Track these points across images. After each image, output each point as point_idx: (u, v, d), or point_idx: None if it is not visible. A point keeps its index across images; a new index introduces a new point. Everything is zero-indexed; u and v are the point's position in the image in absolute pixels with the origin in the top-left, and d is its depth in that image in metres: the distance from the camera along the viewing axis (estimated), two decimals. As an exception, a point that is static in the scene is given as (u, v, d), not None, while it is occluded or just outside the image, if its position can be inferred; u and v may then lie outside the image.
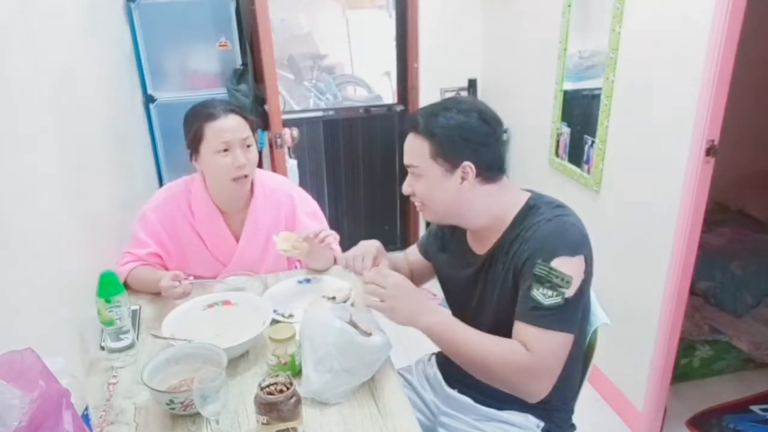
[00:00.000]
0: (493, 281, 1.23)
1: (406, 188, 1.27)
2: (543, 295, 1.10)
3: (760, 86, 3.10)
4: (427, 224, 3.63)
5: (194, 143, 1.60)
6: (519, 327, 1.14)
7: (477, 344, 1.16)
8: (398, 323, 1.21)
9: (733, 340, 2.48)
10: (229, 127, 1.57)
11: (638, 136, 2.06)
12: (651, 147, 2.01)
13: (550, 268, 1.10)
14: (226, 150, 1.57)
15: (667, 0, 1.87)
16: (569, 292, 1.10)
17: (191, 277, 1.57)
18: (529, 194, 1.24)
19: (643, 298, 2.11)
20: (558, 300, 1.09)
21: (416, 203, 1.28)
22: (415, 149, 1.21)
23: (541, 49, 2.61)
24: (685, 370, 2.42)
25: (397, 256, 1.59)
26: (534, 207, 1.20)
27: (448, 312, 1.25)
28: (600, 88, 2.21)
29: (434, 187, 1.21)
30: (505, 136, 2.75)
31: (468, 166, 1.17)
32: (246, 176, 1.62)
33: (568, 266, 1.10)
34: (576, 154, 2.43)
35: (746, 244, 2.85)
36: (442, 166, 1.18)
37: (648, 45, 1.97)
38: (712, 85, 1.70)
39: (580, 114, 2.38)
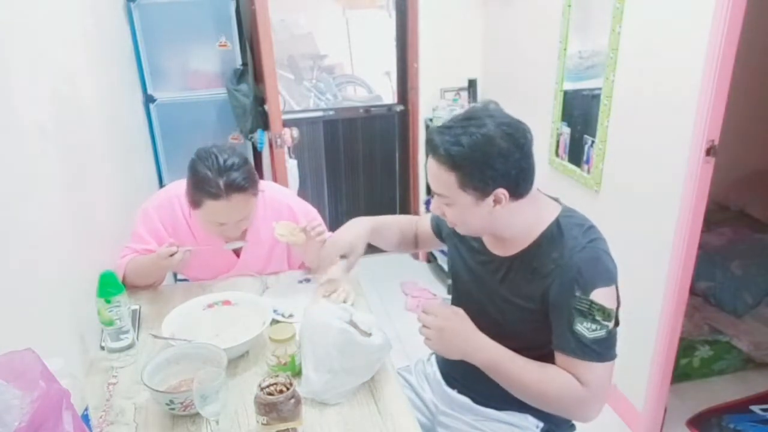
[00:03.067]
0: (510, 288, 1.22)
1: (436, 211, 1.22)
2: (587, 330, 1.09)
3: (760, 86, 3.10)
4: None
5: (192, 204, 1.53)
6: (567, 360, 1.13)
7: (532, 380, 1.14)
8: (452, 358, 1.21)
9: (733, 340, 2.48)
10: (229, 211, 1.48)
11: (638, 136, 2.06)
12: (651, 147, 2.01)
13: (591, 302, 1.09)
14: (219, 226, 1.53)
15: (666, 0, 1.87)
16: (610, 323, 1.10)
17: (188, 246, 1.55)
18: (558, 208, 1.21)
19: (643, 298, 2.10)
20: (602, 333, 1.09)
21: (448, 222, 1.23)
22: (441, 179, 1.13)
23: (541, 49, 2.61)
24: (685, 370, 2.42)
25: (387, 221, 1.53)
26: (565, 227, 1.17)
27: (495, 345, 1.18)
28: (600, 88, 2.21)
29: (466, 214, 1.15)
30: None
31: (501, 193, 1.10)
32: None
33: (606, 298, 1.10)
34: (576, 154, 2.43)
35: (746, 244, 2.85)
36: (472, 195, 1.11)
37: (648, 45, 1.97)
38: (712, 85, 1.70)
39: (580, 114, 2.38)
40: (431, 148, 1.13)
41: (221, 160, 1.46)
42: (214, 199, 1.45)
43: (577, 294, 1.09)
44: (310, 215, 1.75)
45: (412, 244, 1.59)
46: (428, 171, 1.17)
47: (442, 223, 1.45)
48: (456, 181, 1.10)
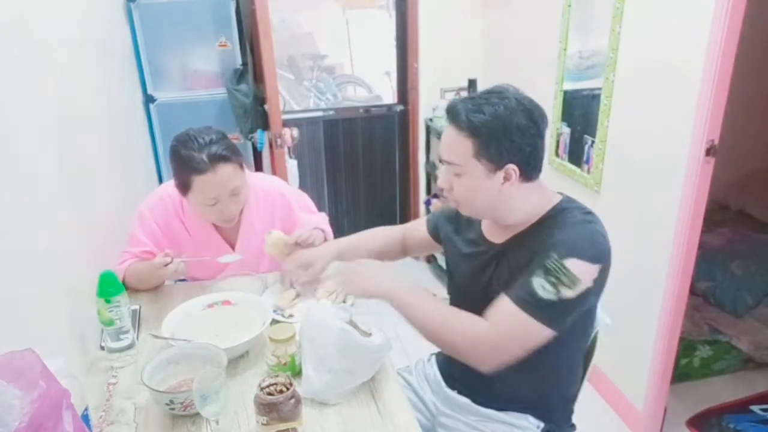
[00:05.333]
0: (505, 272, 1.21)
1: (444, 184, 1.21)
2: (541, 287, 1.08)
3: (759, 86, 3.10)
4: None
5: (182, 189, 1.55)
6: (502, 299, 1.14)
7: (437, 312, 1.19)
8: (357, 294, 1.28)
9: (733, 340, 2.48)
10: (218, 182, 1.50)
11: (638, 136, 2.06)
12: (651, 147, 2.01)
13: (562, 265, 1.08)
14: (214, 203, 1.54)
15: (666, 0, 1.87)
16: (568, 294, 1.08)
17: (184, 255, 1.57)
18: (561, 197, 1.22)
19: (643, 298, 2.10)
20: (552, 297, 1.08)
21: (450, 200, 1.23)
22: (457, 146, 1.14)
23: (541, 49, 2.61)
24: (685, 370, 2.42)
25: (360, 240, 1.58)
26: (564, 210, 1.18)
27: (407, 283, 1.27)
28: (600, 88, 2.21)
29: (475, 187, 1.16)
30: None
31: (512, 168, 1.12)
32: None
33: (580, 269, 1.08)
34: (576, 154, 2.43)
35: (746, 244, 2.85)
36: (485, 166, 1.13)
37: (648, 45, 1.97)
38: (712, 85, 1.70)
39: (580, 114, 2.38)
40: (453, 115, 1.15)
41: (200, 139, 1.51)
42: (200, 173, 1.48)
43: (553, 255, 1.09)
44: (302, 200, 1.80)
45: (397, 253, 1.60)
46: (444, 140, 1.19)
47: (441, 225, 1.45)
48: (472, 148, 1.12)
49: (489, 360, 1.14)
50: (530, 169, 1.15)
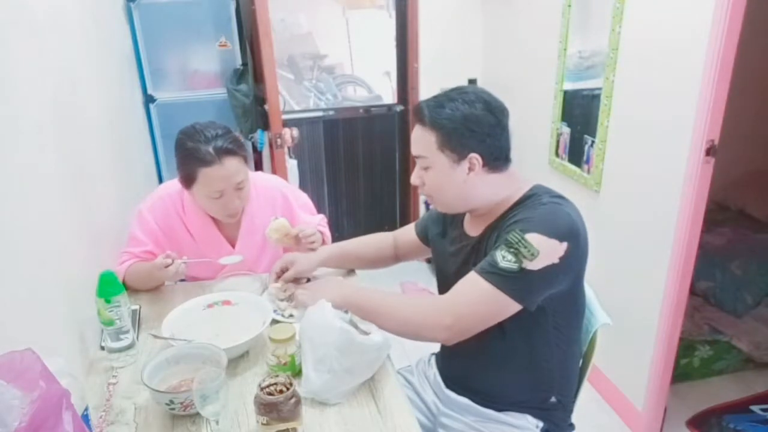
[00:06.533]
0: (481, 260, 1.22)
1: (415, 179, 1.28)
2: (502, 258, 1.11)
3: (760, 86, 3.10)
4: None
5: (186, 182, 1.56)
6: (468, 274, 1.17)
7: (394, 294, 1.25)
8: (328, 298, 1.29)
9: (733, 340, 2.48)
10: (224, 175, 1.51)
11: (638, 136, 2.06)
12: (651, 147, 2.01)
13: (522, 237, 1.10)
14: (219, 197, 1.55)
15: (666, 0, 1.87)
16: (530, 265, 1.09)
17: (185, 256, 1.57)
18: (532, 185, 1.25)
19: (643, 298, 2.11)
20: (513, 266, 1.10)
21: (426, 196, 1.29)
22: (423, 140, 1.21)
23: (541, 49, 2.61)
24: (685, 370, 2.42)
25: (353, 245, 1.64)
26: (534, 195, 1.21)
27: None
28: (600, 88, 2.21)
29: (442, 178, 1.21)
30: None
31: (474, 157, 1.18)
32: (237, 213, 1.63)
33: (541, 243, 1.10)
34: (576, 154, 2.43)
35: (746, 244, 2.85)
36: (449, 157, 1.19)
37: (648, 45, 1.97)
38: (712, 85, 1.70)
39: (580, 114, 2.38)
40: (418, 113, 1.22)
41: (206, 133, 1.52)
42: (207, 165, 1.49)
43: (516, 229, 1.12)
44: (301, 198, 1.82)
45: (390, 258, 1.63)
46: (412, 137, 1.25)
47: (430, 227, 1.48)
48: (435, 141, 1.19)
49: (451, 330, 1.16)
50: (493, 159, 1.20)
